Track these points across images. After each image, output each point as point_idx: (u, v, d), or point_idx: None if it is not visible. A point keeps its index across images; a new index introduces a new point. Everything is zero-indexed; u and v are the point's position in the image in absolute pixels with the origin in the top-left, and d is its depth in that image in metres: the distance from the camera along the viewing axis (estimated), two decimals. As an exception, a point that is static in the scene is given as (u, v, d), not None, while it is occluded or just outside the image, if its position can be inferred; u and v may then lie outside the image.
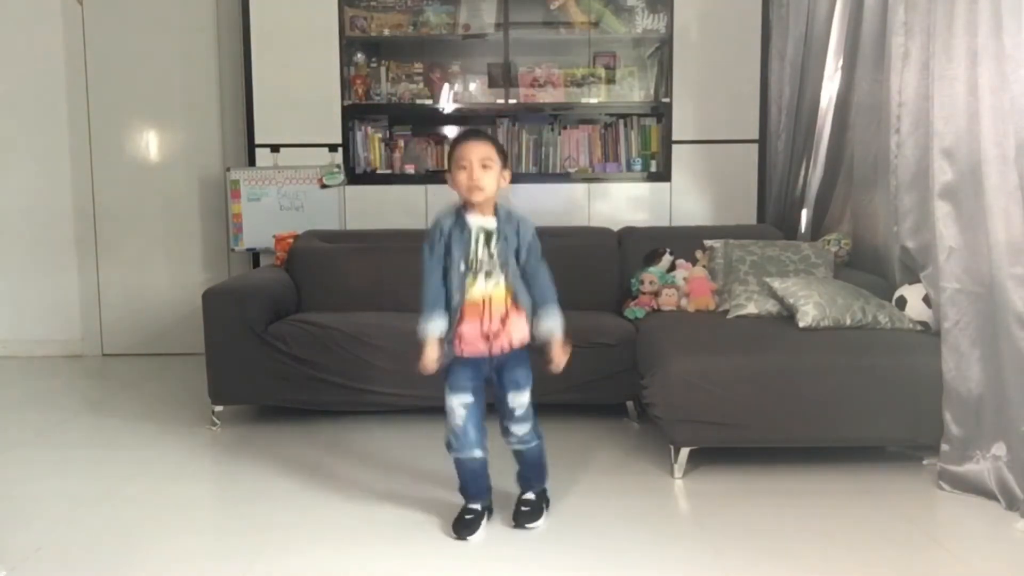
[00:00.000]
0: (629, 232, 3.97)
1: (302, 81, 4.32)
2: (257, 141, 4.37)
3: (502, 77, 4.39)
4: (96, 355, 4.78)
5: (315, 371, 3.27)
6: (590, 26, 4.42)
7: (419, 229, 4.14)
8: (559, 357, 2.37)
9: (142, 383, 4.15)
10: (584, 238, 3.94)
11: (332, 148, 4.37)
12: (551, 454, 3.03)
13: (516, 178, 4.39)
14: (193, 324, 3.79)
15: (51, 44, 4.63)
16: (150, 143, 4.76)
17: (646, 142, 4.49)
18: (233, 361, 3.30)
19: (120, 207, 4.74)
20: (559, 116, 4.52)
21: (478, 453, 2.38)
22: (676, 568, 2.19)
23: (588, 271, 3.79)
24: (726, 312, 3.31)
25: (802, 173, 4.11)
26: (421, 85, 4.44)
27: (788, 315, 3.16)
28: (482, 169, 2.27)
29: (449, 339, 2.32)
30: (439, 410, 3.34)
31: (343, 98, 4.35)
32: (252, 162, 4.38)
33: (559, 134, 4.48)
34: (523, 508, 2.46)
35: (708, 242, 3.75)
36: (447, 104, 4.44)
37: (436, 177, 4.42)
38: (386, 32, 4.40)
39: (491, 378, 2.39)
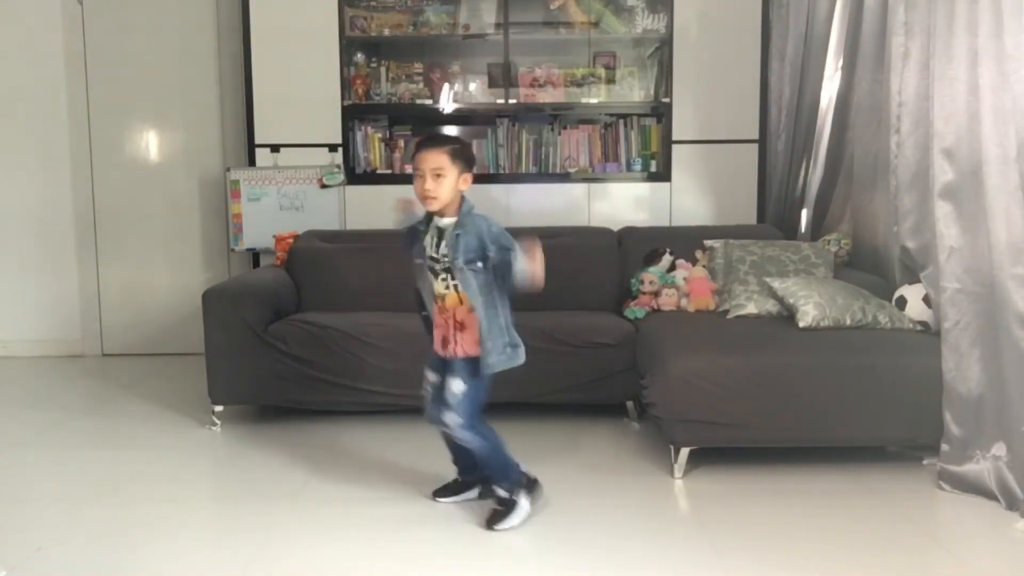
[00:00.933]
0: (629, 232, 3.97)
1: (302, 81, 4.31)
2: (257, 141, 4.37)
3: (502, 77, 4.39)
4: (96, 355, 4.78)
5: (315, 371, 3.27)
6: (590, 26, 4.42)
7: (419, 229, 4.16)
8: (532, 251, 2.27)
9: (142, 383, 4.15)
10: (584, 238, 3.94)
11: (332, 148, 4.37)
12: (551, 454, 3.04)
13: (516, 178, 4.43)
14: (193, 324, 3.79)
15: (51, 44, 4.63)
16: (150, 143, 4.76)
17: (646, 142, 4.49)
18: (233, 361, 3.30)
19: (120, 207, 4.74)
20: (559, 116, 4.52)
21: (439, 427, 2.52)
22: (676, 568, 2.19)
23: (588, 271, 3.79)
24: (726, 312, 3.31)
25: (802, 173, 4.11)
26: (421, 85, 4.44)
27: (788, 315, 3.16)
28: (435, 179, 2.32)
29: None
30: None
31: (343, 98, 4.35)
32: (252, 162, 4.38)
33: (559, 134, 4.48)
34: (495, 507, 2.48)
35: (708, 242, 3.75)
36: (447, 104, 4.44)
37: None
38: (386, 32, 4.40)
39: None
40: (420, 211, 2.43)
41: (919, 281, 3.06)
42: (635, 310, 3.47)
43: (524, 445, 3.12)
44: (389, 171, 4.47)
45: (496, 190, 4.37)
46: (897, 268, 3.25)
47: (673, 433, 2.82)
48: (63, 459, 3.06)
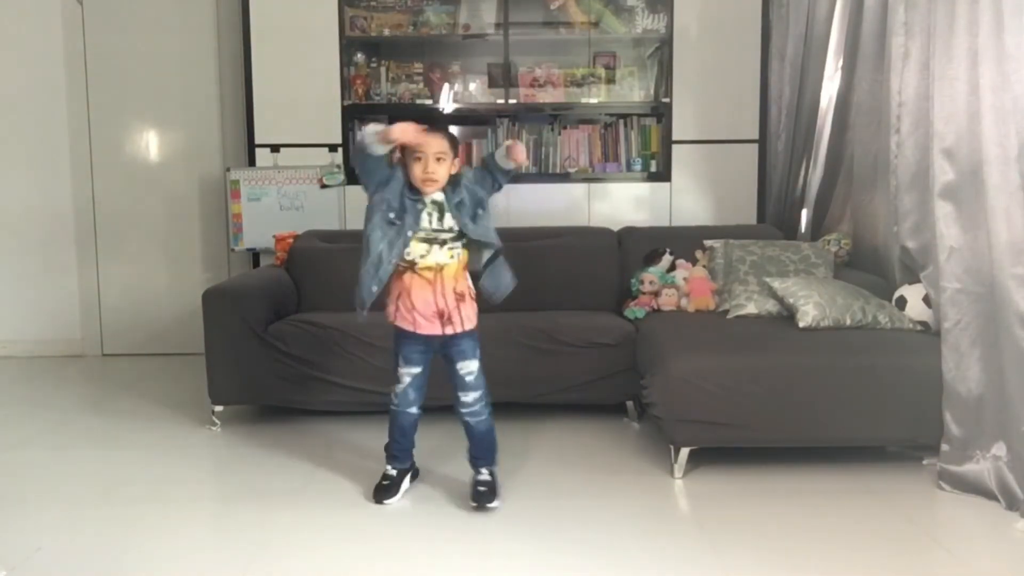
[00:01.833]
0: (629, 232, 3.97)
1: (302, 81, 4.32)
2: (257, 141, 4.37)
3: (502, 77, 4.39)
4: (96, 355, 4.78)
5: (315, 371, 3.27)
6: (590, 26, 4.42)
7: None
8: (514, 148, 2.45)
9: (142, 383, 4.15)
10: (584, 238, 3.94)
11: (332, 148, 4.37)
12: (551, 454, 3.04)
13: (516, 178, 4.40)
14: (193, 324, 3.79)
15: (51, 44, 4.63)
16: (150, 143, 4.76)
17: (646, 142, 4.49)
18: (233, 361, 3.30)
19: (120, 207, 4.75)
20: (559, 116, 4.52)
21: (414, 410, 2.62)
22: (676, 568, 2.19)
23: (588, 271, 3.79)
24: (726, 312, 3.31)
25: (802, 173, 4.11)
26: (421, 85, 4.44)
27: (788, 315, 3.16)
28: (436, 162, 2.43)
29: (363, 300, 2.45)
30: (438, 410, 3.34)
31: (343, 98, 4.35)
32: (252, 162, 4.38)
33: (559, 134, 4.48)
34: (480, 488, 2.54)
35: (708, 242, 3.75)
36: (447, 104, 4.44)
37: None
38: (386, 32, 4.40)
39: (438, 353, 2.56)
40: (380, 149, 2.39)
41: (919, 281, 3.06)
42: (635, 310, 3.47)
43: (524, 445, 3.14)
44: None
45: (496, 190, 4.37)
46: (897, 268, 3.25)
47: (673, 433, 2.82)
48: (63, 459, 3.06)
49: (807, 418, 2.77)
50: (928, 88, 2.84)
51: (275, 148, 4.37)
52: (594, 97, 4.45)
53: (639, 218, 4.33)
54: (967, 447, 2.64)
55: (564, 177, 4.44)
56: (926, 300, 3.01)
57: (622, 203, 4.39)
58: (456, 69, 4.50)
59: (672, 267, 3.64)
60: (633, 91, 4.50)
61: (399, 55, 4.51)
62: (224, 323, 3.29)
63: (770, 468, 2.85)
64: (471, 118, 4.55)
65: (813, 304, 3.03)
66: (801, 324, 3.01)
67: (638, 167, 4.45)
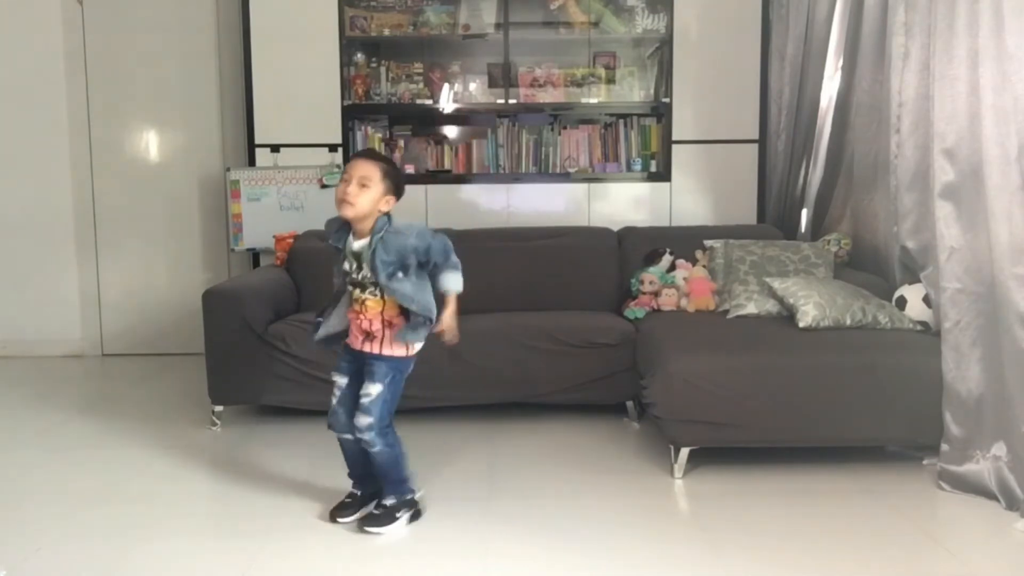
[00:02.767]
0: (629, 232, 3.97)
1: (302, 81, 4.32)
2: (257, 141, 4.37)
3: (502, 77, 4.39)
4: (96, 355, 4.78)
5: (315, 371, 3.27)
6: (590, 26, 4.42)
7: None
8: (447, 320, 2.38)
9: (142, 383, 4.15)
10: (584, 238, 3.94)
11: (332, 148, 4.37)
12: (551, 454, 3.04)
13: (516, 178, 4.43)
14: (193, 324, 3.79)
15: (51, 44, 4.63)
16: (150, 143, 4.76)
17: (646, 142, 4.49)
18: (233, 361, 3.30)
19: (120, 207, 4.75)
20: (559, 116, 4.52)
21: (347, 436, 2.46)
22: (676, 568, 2.19)
23: (588, 271, 3.79)
24: (726, 312, 3.31)
25: (802, 173, 4.12)
26: (421, 85, 4.44)
27: (788, 315, 3.16)
28: (358, 187, 2.32)
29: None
30: (437, 411, 3.35)
31: (343, 98, 4.35)
32: (252, 162, 4.38)
33: (559, 134, 4.48)
34: (374, 510, 2.46)
35: (708, 242, 3.75)
36: (447, 104, 4.44)
37: (436, 177, 4.42)
38: (386, 32, 4.40)
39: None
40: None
41: (919, 281, 3.06)
42: (635, 310, 3.47)
43: (524, 445, 3.14)
44: (389, 171, 4.46)
45: (496, 190, 4.38)
46: (897, 268, 3.25)
47: (673, 433, 2.82)
48: (63, 459, 3.06)
49: (807, 418, 2.77)
50: (928, 88, 2.84)
51: (275, 148, 4.37)
52: (594, 97, 4.45)
53: (639, 218, 4.33)
54: (967, 447, 2.64)
55: (564, 177, 4.44)
56: (926, 300, 3.01)
57: (622, 203, 4.39)
58: (456, 69, 4.50)
59: (672, 267, 3.64)
60: (633, 91, 4.50)
61: (399, 55, 4.51)
62: (224, 323, 3.29)
63: (770, 468, 2.85)
64: (471, 118, 4.55)
65: (813, 304, 3.03)
66: (801, 324, 3.01)
67: (638, 167, 4.45)
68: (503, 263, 3.80)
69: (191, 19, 4.65)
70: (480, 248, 3.89)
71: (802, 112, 4.09)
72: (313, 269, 3.79)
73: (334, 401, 2.48)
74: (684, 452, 2.80)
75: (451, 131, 4.64)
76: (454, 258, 2.40)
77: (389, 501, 2.45)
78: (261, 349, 3.28)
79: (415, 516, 2.49)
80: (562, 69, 4.48)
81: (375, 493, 2.53)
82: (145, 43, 4.65)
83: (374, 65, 4.45)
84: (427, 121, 4.59)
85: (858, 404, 2.75)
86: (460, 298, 2.42)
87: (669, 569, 2.19)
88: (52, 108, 4.66)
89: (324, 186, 4.33)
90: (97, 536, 2.40)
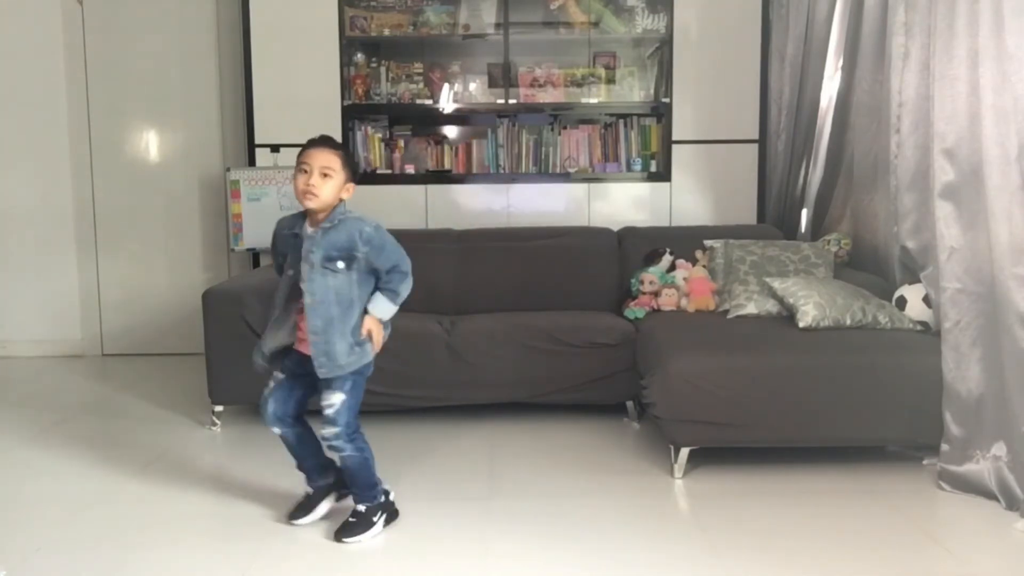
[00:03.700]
0: (629, 232, 3.97)
1: (302, 81, 4.31)
2: (257, 141, 4.37)
3: (502, 77, 4.39)
4: (96, 355, 4.78)
5: (315, 371, 3.27)
6: (590, 26, 4.42)
7: (419, 229, 4.16)
8: (368, 324, 2.33)
9: (142, 383, 4.15)
10: (584, 238, 3.94)
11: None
12: (551, 454, 3.04)
13: (516, 178, 4.43)
14: (193, 324, 3.79)
15: (51, 44, 4.63)
16: (150, 143, 4.76)
17: (646, 142, 4.49)
18: (233, 361, 3.29)
19: (120, 207, 4.75)
20: (559, 116, 4.52)
21: (276, 429, 2.43)
22: (676, 568, 2.19)
23: (588, 271, 3.79)
24: (726, 312, 3.31)
25: (802, 173, 4.11)
26: (421, 85, 4.44)
27: (788, 315, 3.16)
28: (321, 177, 2.25)
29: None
30: (437, 410, 3.34)
31: (343, 98, 4.35)
32: (252, 162, 4.38)
33: (559, 134, 4.48)
34: (349, 518, 2.40)
35: (708, 242, 3.75)
36: (447, 104, 4.44)
37: (436, 177, 4.42)
38: (386, 32, 4.40)
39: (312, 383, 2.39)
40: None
41: (919, 281, 3.06)
42: (635, 310, 3.47)
43: (524, 445, 3.14)
44: (389, 171, 4.46)
45: (496, 190, 4.38)
46: (897, 268, 3.25)
47: (673, 433, 2.82)
48: (63, 459, 3.06)
49: (807, 418, 2.77)
50: (928, 88, 2.84)
51: (275, 148, 4.37)
52: (594, 97, 4.45)
53: (639, 218, 4.33)
54: (967, 447, 2.64)
55: (564, 177, 4.44)
56: (926, 300, 3.01)
57: (622, 203, 4.39)
58: (456, 69, 4.49)
59: (672, 267, 3.64)
60: (633, 91, 4.50)
61: (399, 55, 4.51)
62: (224, 323, 3.29)
63: (770, 468, 2.85)
64: (471, 118, 4.55)
65: (813, 304, 3.03)
66: (801, 324, 3.01)
67: (638, 167, 4.45)
68: (503, 263, 3.81)
69: (191, 19, 4.65)
70: (480, 248, 3.90)
71: (802, 112, 4.09)
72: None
73: (265, 392, 2.40)
74: (684, 452, 2.80)
75: (451, 131, 4.63)
76: (402, 273, 2.32)
77: (362, 507, 2.41)
78: (261, 349, 3.28)
79: (391, 518, 2.46)
80: (562, 69, 4.47)
81: (331, 485, 2.50)
82: (145, 43, 4.65)
83: (374, 65, 4.45)
84: (427, 121, 4.58)
85: (858, 404, 2.75)
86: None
87: (669, 569, 2.19)
88: (52, 108, 4.66)
89: (324, 186, 4.32)
90: (97, 536, 2.40)
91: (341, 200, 2.32)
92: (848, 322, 3.00)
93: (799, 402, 2.76)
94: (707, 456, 2.87)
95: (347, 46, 4.38)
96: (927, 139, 2.87)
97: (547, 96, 4.45)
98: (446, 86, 4.45)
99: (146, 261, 4.77)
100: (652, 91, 4.49)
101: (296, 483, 2.77)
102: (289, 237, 2.37)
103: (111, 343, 4.80)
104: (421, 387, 3.29)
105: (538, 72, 4.47)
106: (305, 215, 2.35)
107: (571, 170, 4.46)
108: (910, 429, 2.79)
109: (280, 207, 4.34)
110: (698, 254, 3.71)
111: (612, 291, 3.77)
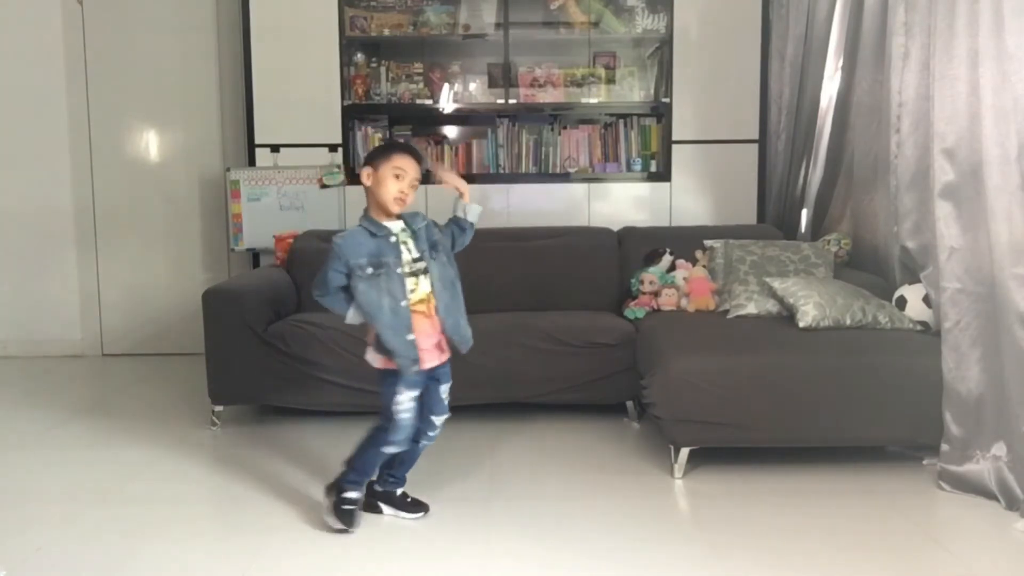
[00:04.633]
0: (629, 232, 3.97)
1: (302, 81, 4.31)
2: (257, 141, 4.37)
3: (502, 77, 4.39)
4: (96, 355, 4.78)
5: (315, 371, 3.27)
6: (590, 26, 4.42)
7: (419, 229, 4.16)
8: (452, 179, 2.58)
9: (142, 383, 4.15)
10: (584, 238, 3.94)
11: (332, 148, 4.37)
12: (551, 454, 3.04)
13: (516, 178, 4.43)
14: (193, 324, 3.79)
15: (51, 44, 4.63)
16: (150, 143, 4.76)
17: (646, 142, 4.49)
18: (233, 361, 3.30)
19: (120, 207, 4.75)
20: (559, 116, 4.52)
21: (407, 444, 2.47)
22: (676, 568, 2.19)
23: (588, 271, 3.79)
24: (726, 312, 3.31)
25: (802, 173, 4.12)
26: (421, 85, 4.44)
27: (788, 315, 3.16)
28: (411, 187, 2.43)
29: (410, 356, 2.31)
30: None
31: (343, 98, 4.35)
32: (252, 162, 4.38)
33: (559, 134, 4.48)
34: (408, 499, 2.55)
35: (708, 242, 3.75)
36: (447, 104, 4.44)
37: (435, 177, 4.41)
38: (386, 32, 4.40)
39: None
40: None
41: (919, 281, 3.06)
42: (635, 310, 3.47)
43: (525, 445, 3.14)
44: (389, 171, 4.46)
45: (496, 190, 4.37)
46: (897, 268, 3.25)
47: (673, 433, 2.82)
48: (63, 459, 3.06)
49: (807, 418, 2.77)
50: (928, 88, 2.84)
51: (275, 148, 4.37)
52: (594, 97, 4.45)
53: (639, 218, 4.33)
54: (967, 447, 2.64)
55: (564, 177, 4.44)
56: (926, 300, 3.01)
57: (622, 203, 4.39)
58: (456, 69, 4.50)
59: (672, 267, 3.64)
60: (633, 91, 4.50)
61: (399, 55, 4.51)
62: (224, 323, 3.29)
63: (770, 468, 2.85)
64: (471, 118, 4.55)
65: (813, 304, 3.03)
66: (801, 324, 3.01)
67: (638, 167, 4.45)
68: (503, 263, 3.80)
69: (191, 19, 4.65)
70: (480, 248, 3.88)
71: (802, 112, 4.09)
72: (313, 269, 3.78)
73: (407, 416, 2.38)
74: (684, 452, 2.80)
75: (451, 131, 4.64)
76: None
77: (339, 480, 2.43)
78: (261, 349, 3.28)
79: (344, 516, 2.39)
80: (562, 69, 4.48)
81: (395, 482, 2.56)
82: (145, 43, 4.65)
83: (374, 65, 4.45)
84: (427, 121, 4.59)
85: (858, 404, 2.75)
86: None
87: (669, 569, 2.19)
88: (52, 108, 4.66)
89: (324, 186, 4.33)
90: (97, 536, 2.40)
91: None
92: (848, 322, 3.00)
93: (799, 402, 2.76)
94: (707, 456, 2.86)
95: (347, 46, 4.38)
96: (927, 139, 2.87)
97: (547, 96, 4.45)
98: (446, 86, 4.45)
99: (146, 261, 4.77)
100: (652, 91, 4.49)
101: (296, 483, 2.78)
102: (383, 241, 2.39)
103: (111, 343, 4.80)
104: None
105: (538, 72, 4.47)
106: (366, 221, 2.44)
107: (571, 170, 4.46)
108: (910, 429, 2.79)
109: (280, 207, 4.34)
110: (698, 254, 3.71)
111: (612, 291, 3.77)
